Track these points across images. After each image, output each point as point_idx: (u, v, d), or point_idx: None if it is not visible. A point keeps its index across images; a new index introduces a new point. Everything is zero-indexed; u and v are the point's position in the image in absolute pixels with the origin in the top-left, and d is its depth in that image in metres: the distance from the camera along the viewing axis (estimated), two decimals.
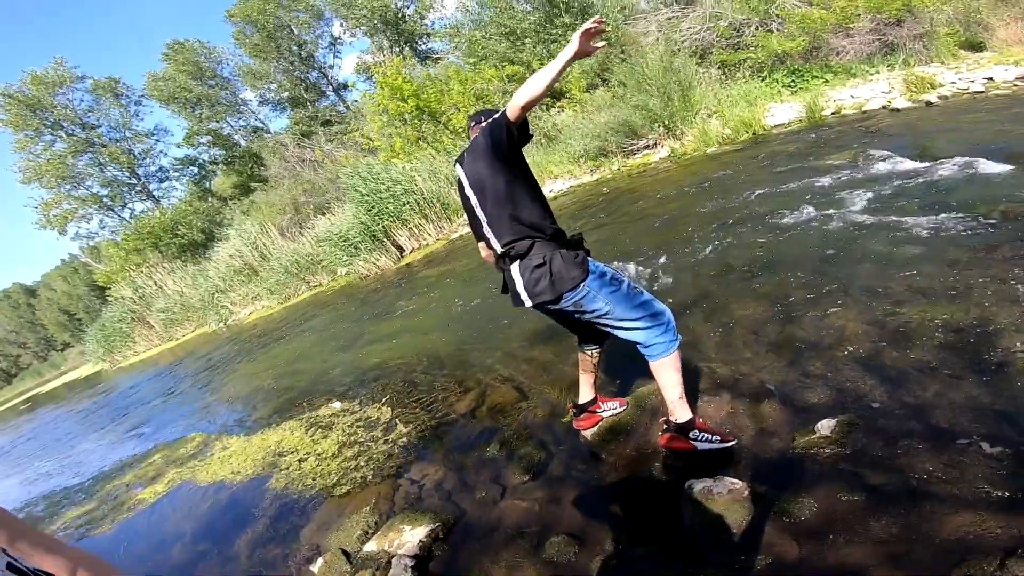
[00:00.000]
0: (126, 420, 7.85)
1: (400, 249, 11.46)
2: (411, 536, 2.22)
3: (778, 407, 2.23)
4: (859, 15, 10.49)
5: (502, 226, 1.93)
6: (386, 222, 11.04)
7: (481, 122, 2.11)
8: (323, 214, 14.46)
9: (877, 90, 8.85)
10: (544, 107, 12.89)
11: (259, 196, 20.84)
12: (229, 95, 29.55)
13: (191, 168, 30.23)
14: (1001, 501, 1.51)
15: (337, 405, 4.26)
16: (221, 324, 15.24)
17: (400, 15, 25.71)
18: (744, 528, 1.72)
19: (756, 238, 4.24)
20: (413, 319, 6.17)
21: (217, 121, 29.54)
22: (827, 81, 10.13)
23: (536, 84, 1.67)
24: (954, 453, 1.71)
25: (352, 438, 3.54)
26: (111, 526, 3.71)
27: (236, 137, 30.54)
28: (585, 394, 2.48)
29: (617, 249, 5.31)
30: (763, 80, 10.84)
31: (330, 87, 30.33)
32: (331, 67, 30.28)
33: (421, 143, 13.85)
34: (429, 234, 11.42)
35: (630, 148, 10.32)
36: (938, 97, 7.64)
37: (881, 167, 4.95)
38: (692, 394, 2.53)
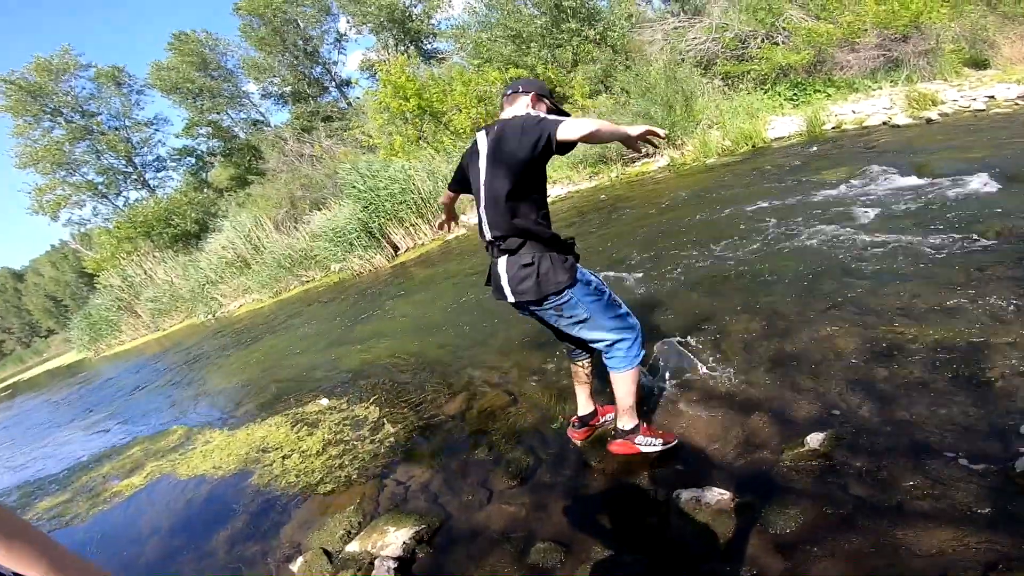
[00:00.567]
0: (106, 410, 7.73)
1: (395, 248, 11.42)
2: (395, 538, 2.19)
3: (768, 419, 2.22)
4: (866, 30, 10.56)
5: (498, 217, 1.89)
6: (382, 220, 11.00)
7: (519, 91, 2.03)
8: (319, 209, 14.39)
9: (879, 106, 8.90)
10: None
11: (255, 189, 20.70)
12: (231, 87, 29.42)
13: (189, 159, 30.05)
14: (983, 518, 1.53)
15: (324, 402, 4.22)
16: (210, 316, 15.10)
17: (407, 13, 25.68)
18: (730, 539, 1.72)
19: (750, 251, 4.24)
20: (405, 318, 6.13)
21: (218, 113, 29.39)
22: (829, 95, 10.19)
23: (601, 130, 1.65)
24: (939, 470, 1.73)
25: (338, 436, 3.49)
26: (85, 519, 3.63)
27: (236, 129, 30.37)
28: (584, 406, 2.44)
29: (611, 257, 5.31)
30: (766, 92, 10.90)
31: (333, 83, 30.26)
32: (335, 63, 30.26)
33: (421, 143, 13.82)
34: (425, 234, 11.39)
35: (629, 156, 10.34)
36: (939, 114, 7.68)
37: (879, 184, 4.98)
38: (682, 404, 2.52)
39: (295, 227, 14.51)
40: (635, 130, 1.74)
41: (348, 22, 27.45)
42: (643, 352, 2.12)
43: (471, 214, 11.22)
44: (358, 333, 6.30)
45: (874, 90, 9.89)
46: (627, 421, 2.17)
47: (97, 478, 4.41)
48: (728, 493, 1.86)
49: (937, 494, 1.64)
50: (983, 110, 7.58)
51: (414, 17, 25.97)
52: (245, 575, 2.41)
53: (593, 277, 2.03)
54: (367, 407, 3.83)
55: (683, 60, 11.36)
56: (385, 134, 14.93)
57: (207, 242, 17.31)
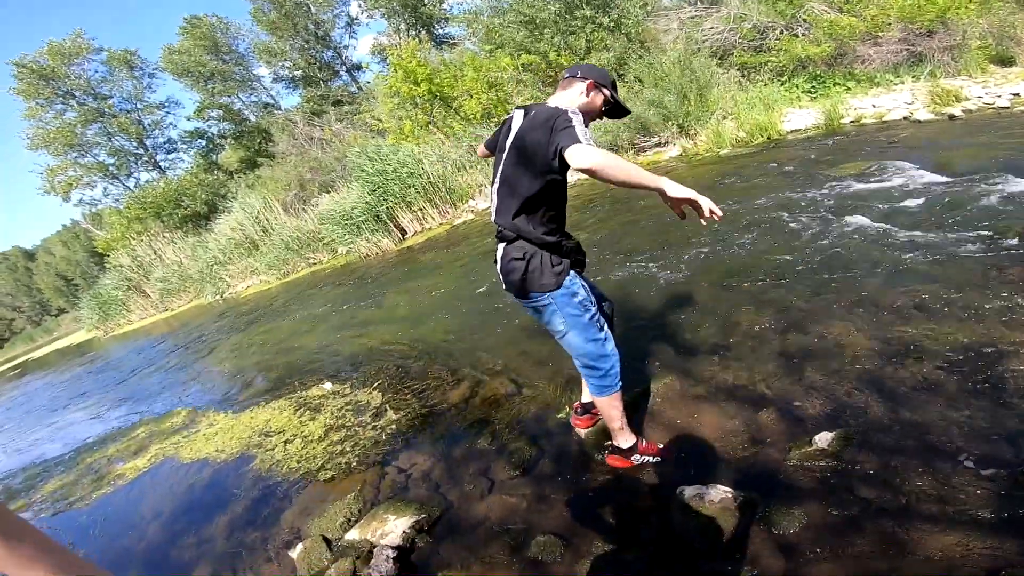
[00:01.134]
0: (114, 390, 7.81)
1: (403, 231, 11.39)
2: (395, 526, 2.17)
3: (776, 417, 2.18)
4: (890, 24, 10.28)
5: (504, 208, 1.83)
6: (390, 203, 10.96)
7: (577, 76, 1.89)
8: (328, 192, 14.36)
9: (900, 100, 8.68)
10: None
11: (265, 171, 20.68)
12: (242, 71, 29.40)
13: (199, 141, 30.10)
14: (990, 523, 1.51)
15: (328, 386, 4.21)
16: (218, 297, 15.18)
17: None
18: (732, 536, 1.69)
19: (762, 244, 4.16)
20: (411, 303, 6.11)
21: (229, 96, 29.40)
22: (849, 89, 9.95)
23: (607, 169, 1.46)
24: (947, 473, 1.70)
25: (340, 421, 3.49)
26: (89, 501, 3.65)
27: (246, 112, 30.37)
28: (588, 393, 2.40)
29: (619, 247, 5.23)
30: (783, 84, 10.67)
31: (344, 67, 30.09)
32: (346, 47, 30.05)
33: (431, 127, 13.72)
34: (432, 218, 11.34)
35: (641, 144, 10.20)
36: (962, 111, 7.49)
37: (897, 179, 4.85)
38: (689, 400, 2.47)
39: (303, 209, 14.52)
40: (675, 189, 1.51)
41: (360, 6, 27.20)
42: (619, 383, 2.02)
43: (479, 199, 11.15)
44: (363, 317, 6.30)
45: (895, 84, 9.64)
46: (622, 441, 2.13)
47: (102, 460, 4.46)
48: (732, 491, 1.82)
49: (944, 498, 1.62)
50: (1007, 107, 7.38)
51: (426, 2, 25.68)
52: (245, 561, 2.42)
53: (582, 290, 1.90)
54: (370, 392, 3.82)
55: (699, 50, 11.14)
56: (395, 118, 14.82)
57: (216, 223, 17.38)
